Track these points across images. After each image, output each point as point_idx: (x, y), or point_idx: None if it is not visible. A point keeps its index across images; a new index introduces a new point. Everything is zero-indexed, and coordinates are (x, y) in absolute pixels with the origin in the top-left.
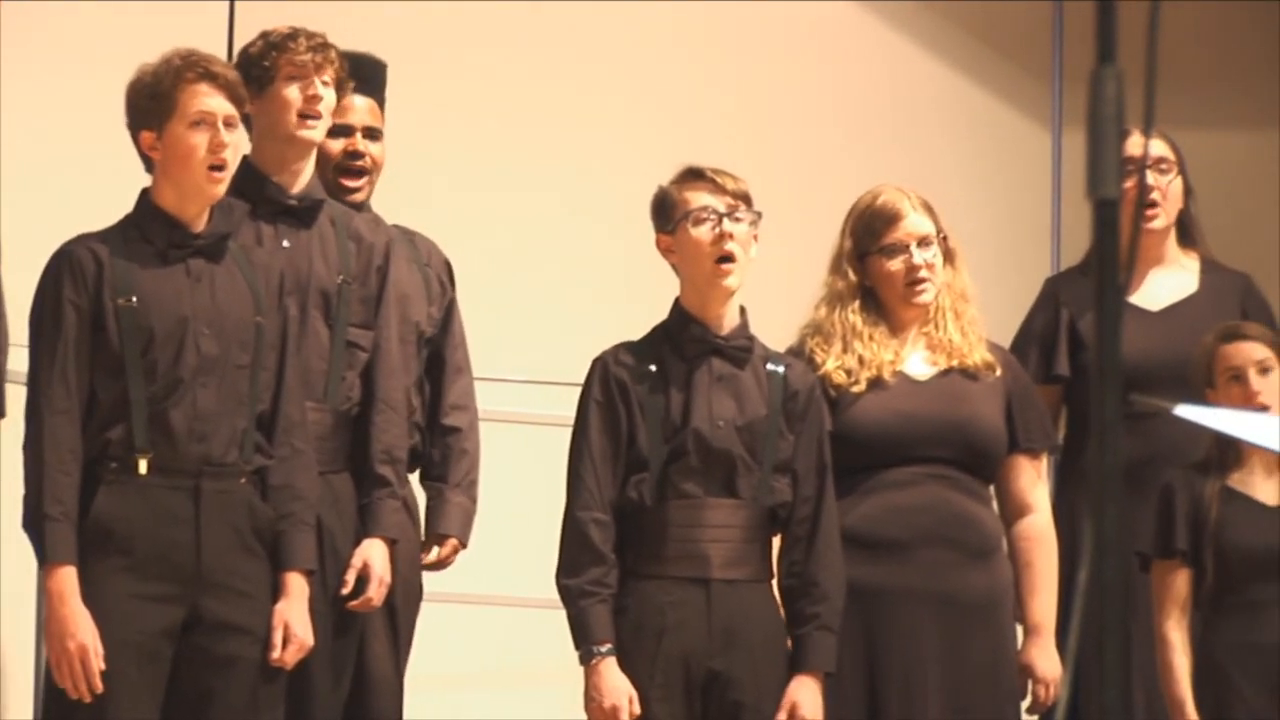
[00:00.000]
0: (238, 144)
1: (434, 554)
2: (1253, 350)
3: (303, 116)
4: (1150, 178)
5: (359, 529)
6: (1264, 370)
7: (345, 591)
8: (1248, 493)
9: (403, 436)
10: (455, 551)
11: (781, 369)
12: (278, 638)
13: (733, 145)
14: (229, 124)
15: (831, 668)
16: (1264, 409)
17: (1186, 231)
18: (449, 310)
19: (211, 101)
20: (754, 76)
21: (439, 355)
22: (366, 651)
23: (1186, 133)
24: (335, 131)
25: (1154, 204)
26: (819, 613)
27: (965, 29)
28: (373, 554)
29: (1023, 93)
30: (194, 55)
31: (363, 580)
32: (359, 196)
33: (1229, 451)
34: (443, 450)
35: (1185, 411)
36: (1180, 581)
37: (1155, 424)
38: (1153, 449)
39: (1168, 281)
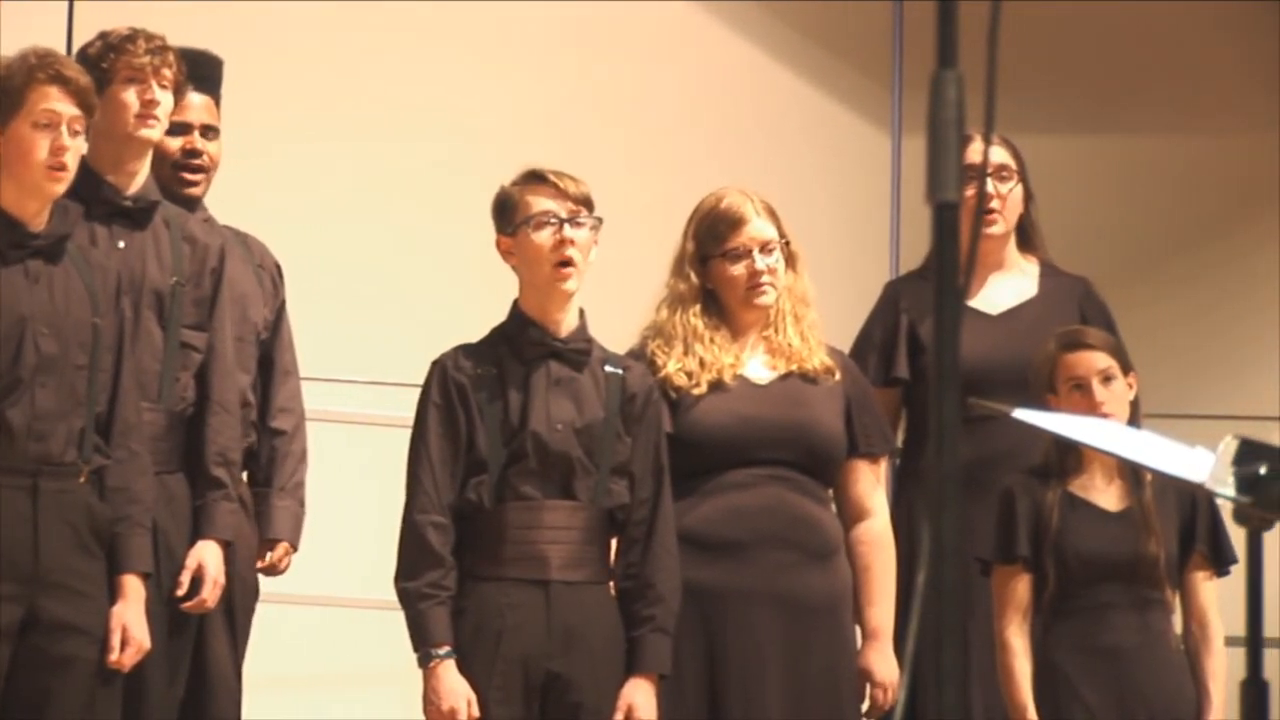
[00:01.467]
0: (80, 149)
1: (267, 559)
2: (1095, 359)
3: (140, 118)
4: (990, 185)
5: (194, 530)
6: (1107, 379)
7: (180, 593)
8: (1089, 499)
9: (237, 438)
10: (287, 554)
11: (620, 371)
12: (115, 640)
13: (575, 146)
14: (74, 129)
15: (667, 669)
16: (1107, 419)
17: (1026, 236)
18: (279, 313)
19: (59, 105)
20: (597, 78)
21: (268, 358)
22: (206, 652)
23: (1027, 137)
24: (173, 129)
25: (993, 210)
26: (654, 615)
27: (804, 32)
28: (207, 555)
29: (863, 97)
30: (50, 56)
31: (197, 581)
32: (195, 192)
33: (1069, 457)
34: (269, 453)
35: (1024, 415)
36: (1021, 586)
37: (993, 427)
38: (990, 452)
39: (1007, 286)
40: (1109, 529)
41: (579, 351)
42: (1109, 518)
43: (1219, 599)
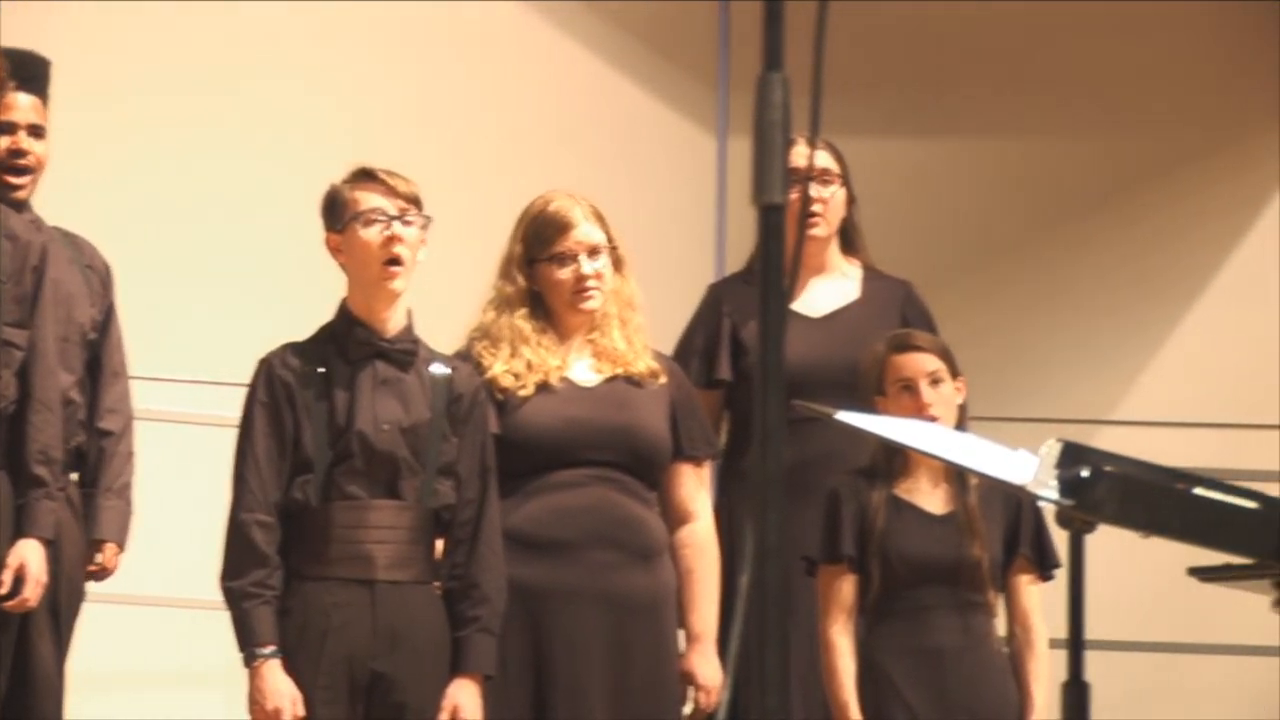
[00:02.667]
0: None
1: (96, 560)
2: (925, 361)
3: None
4: (814, 189)
5: (15, 529)
6: (935, 381)
7: (1, 592)
8: (914, 502)
9: (58, 436)
10: (115, 555)
11: (447, 372)
12: None
13: (406, 146)
14: None
15: (492, 670)
16: (934, 420)
17: (849, 239)
18: (108, 314)
19: None
20: (426, 79)
21: (97, 359)
22: (30, 651)
23: (851, 140)
24: None
25: (816, 214)
26: (480, 615)
27: (630, 32)
28: (29, 555)
29: (689, 98)
30: None
31: (19, 580)
32: (22, 195)
33: (896, 460)
34: (97, 454)
35: (846, 418)
36: (846, 587)
37: (816, 429)
38: (813, 454)
39: (830, 289)
40: (933, 532)
41: (405, 352)
42: (933, 521)
43: (1043, 602)
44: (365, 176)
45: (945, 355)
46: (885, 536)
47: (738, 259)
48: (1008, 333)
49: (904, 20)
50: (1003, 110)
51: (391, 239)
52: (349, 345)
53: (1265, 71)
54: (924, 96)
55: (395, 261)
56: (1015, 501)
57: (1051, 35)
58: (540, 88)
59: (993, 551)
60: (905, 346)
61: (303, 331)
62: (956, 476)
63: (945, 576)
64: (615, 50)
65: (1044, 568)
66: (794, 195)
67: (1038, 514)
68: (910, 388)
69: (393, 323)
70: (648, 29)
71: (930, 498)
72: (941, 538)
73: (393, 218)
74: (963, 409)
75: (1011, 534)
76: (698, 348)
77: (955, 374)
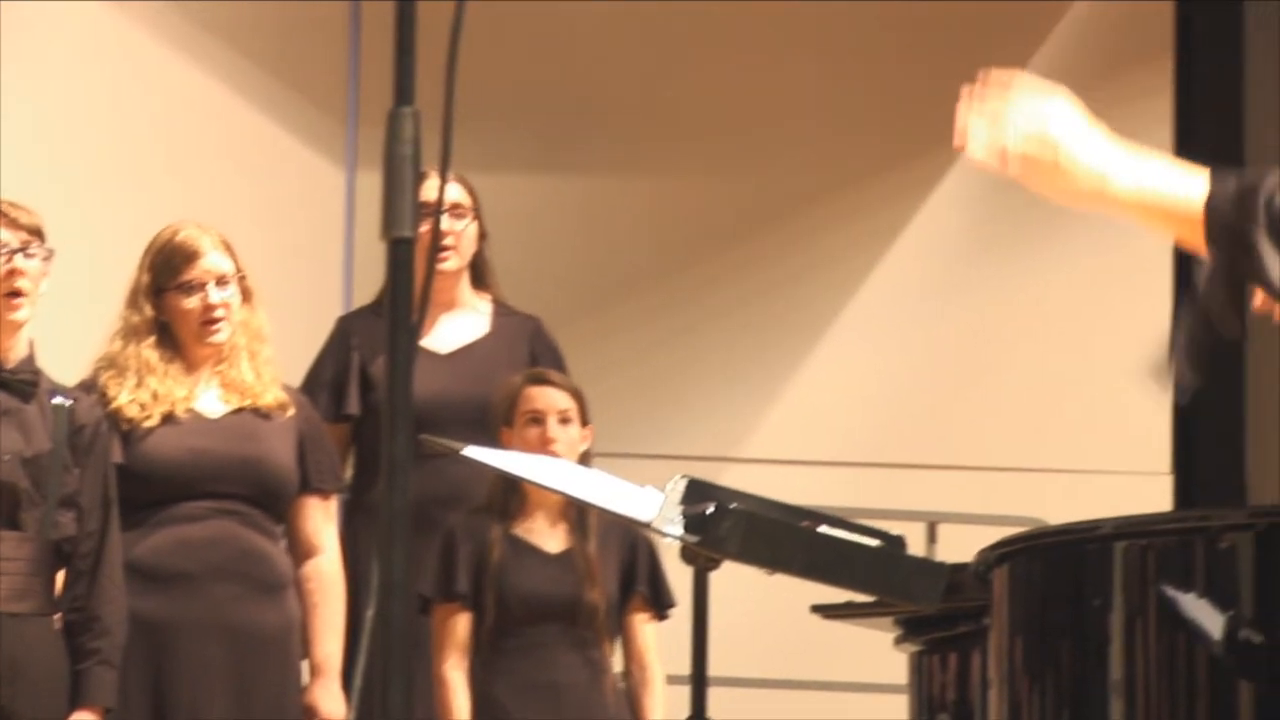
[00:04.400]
0: None
1: None
2: (557, 399)
3: None
4: (445, 222)
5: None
6: (564, 420)
7: None
8: (531, 540)
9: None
10: None
11: (68, 403)
12: None
13: (32, 174)
14: None
15: (112, 703)
16: (555, 458)
17: (480, 274)
18: None
19: None
20: (52, 105)
21: None
22: None
23: (482, 175)
24: None
25: (447, 248)
26: (100, 648)
27: (259, 64)
28: None
29: (317, 130)
30: None
31: None
32: None
33: (513, 498)
34: None
35: (474, 453)
36: (460, 624)
37: (443, 465)
38: (441, 490)
39: (459, 324)
40: (549, 570)
41: (26, 382)
42: (550, 559)
43: (660, 639)
44: None
45: (578, 398)
46: (501, 574)
47: (366, 293)
48: (636, 370)
49: (536, 57)
50: (634, 148)
51: (13, 272)
52: None
53: (882, 121)
54: (555, 133)
55: (17, 294)
56: (632, 539)
57: (681, 74)
58: (165, 118)
59: (609, 589)
60: (540, 381)
61: None
62: (575, 514)
63: (561, 614)
64: (242, 80)
65: (660, 606)
66: (424, 229)
67: (653, 552)
68: (538, 421)
69: (14, 353)
70: (277, 60)
71: (547, 536)
72: (558, 576)
73: (14, 250)
74: (585, 456)
75: (628, 572)
76: (326, 381)
77: (585, 420)
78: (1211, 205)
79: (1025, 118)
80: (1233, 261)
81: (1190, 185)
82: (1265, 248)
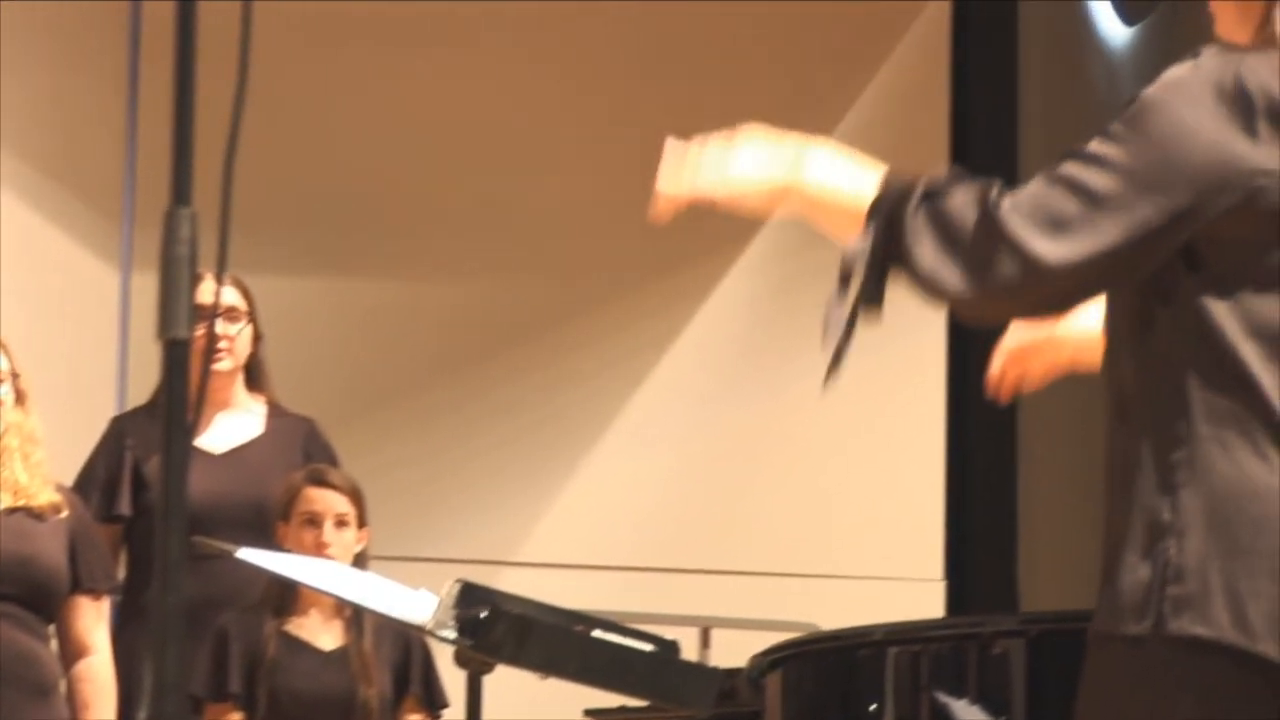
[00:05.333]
0: None
1: None
2: (335, 501)
3: None
4: (220, 325)
5: None
6: (341, 523)
7: None
8: (304, 638)
9: None
10: None
11: None
12: None
13: None
14: None
15: None
16: (330, 560)
17: (255, 376)
18: None
19: None
20: None
21: None
22: None
23: (259, 277)
24: None
25: (221, 349)
26: None
27: (35, 164)
28: None
29: (93, 232)
30: None
31: None
32: None
33: (287, 596)
34: None
35: (248, 555)
36: None
37: (217, 566)
38: (214, 591)
39: (233, 425)
40: (323, 668)
41: None
42: (324, 657)
43: None
44: None
45: (357, 501)
46: (273, 672)
47: (141, 393)
48: (412, 472)
49: (313, 159)
50: (410, 251)
51: None
52: None
53: (660, 226)
54: (331, 236)
55: None
56: (406, 638)
57: (460, 177)
58: None
59: (382, 689)
60: (320, 481)
61: None
62: (350, 612)
63: (335, 712)
64: (17, 180)
65: (433, 707)
66: (200, 331)
67: (428, 652)
68: (315, 523)
69: None
70: (51, 161)
71: (322, 633)
72: (331, 674)
73: None
74: (360, 557)
75: (402, 671)
76: (99, 480)
77: (362, 522)
78: (883, 187)
79: (714, 145)
80: (884, 240)
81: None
82: (918, 230)
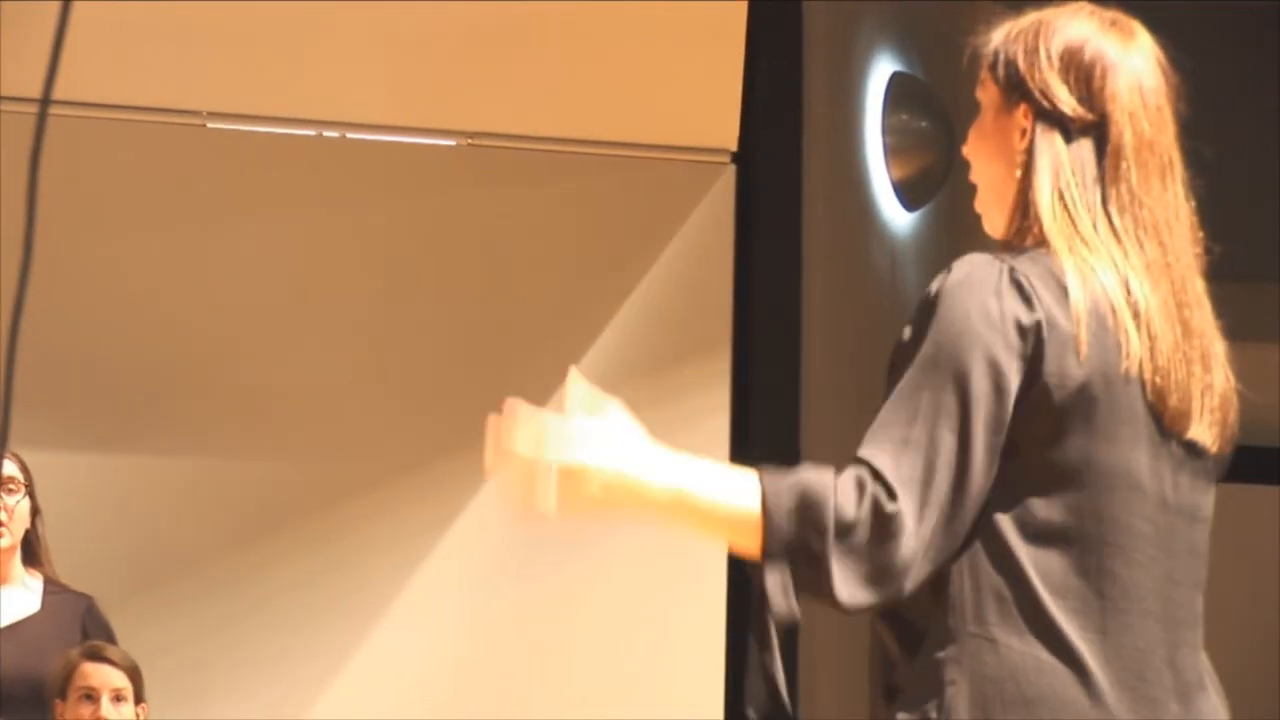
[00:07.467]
0: None
1: None
2: (112, 676)
3: None
4: None
5: None
6: (118, 698)
7: None
8: None
9: None
10: None
11: None
12: None
13: None
14: None
15: None
16: None
17: (32, 551)
18: None
19: None
20: None
21: None
22: None
23: (36, 452)
24: None
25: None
26: None
27: None
28: None
29: None
30: None
31: None
32: None
33: None
34: None
35: None
36: None
37: None
38: None
39: (9, 600)
40: None
41: None
42: None
43: None
44: None
45: (135, 676)
46: None
47: None
48: (190, 650)
49: (94, 335)
50: (191, 428)
51: None
52: None
53: (437, 407)
54: (111, 412)
55: None
56: None
57: (239, 356)
58: None
59: None
60: (97, 657)
61: None
62: None
63: None
64: None
65: None
66: None
67: None
68: (92, 699)
69: None
70: None
71: None
72: None
73: None
74: None
75: None
76: None
77: (139, 698)
78: (769, 516)
79: (554, 446)
80: (794, 574)
81: (741, 488)
82: (834, 562)
